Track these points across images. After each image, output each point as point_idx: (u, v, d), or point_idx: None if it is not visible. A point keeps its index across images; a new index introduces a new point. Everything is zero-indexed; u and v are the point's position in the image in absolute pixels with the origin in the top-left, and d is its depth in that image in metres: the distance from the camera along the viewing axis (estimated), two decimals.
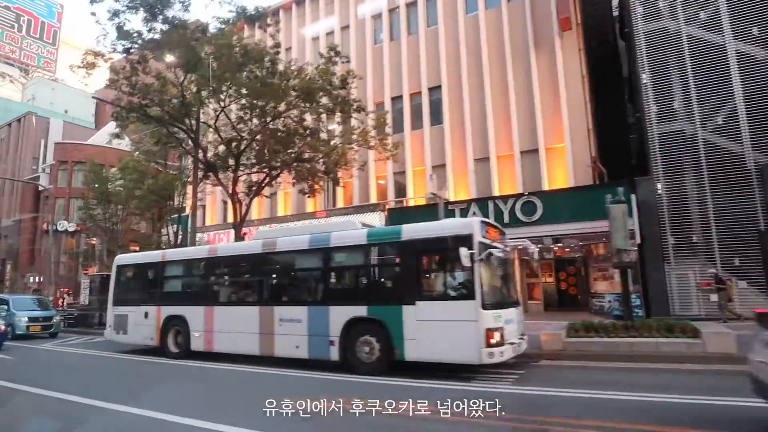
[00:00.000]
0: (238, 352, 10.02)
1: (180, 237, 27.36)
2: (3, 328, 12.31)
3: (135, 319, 11.93)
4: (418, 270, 8.22)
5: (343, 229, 9.42)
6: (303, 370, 8.79)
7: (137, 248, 33.00)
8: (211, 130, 17.14)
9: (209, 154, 17.54)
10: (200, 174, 18.43)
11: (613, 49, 21.65)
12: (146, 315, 11.72)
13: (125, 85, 15.41)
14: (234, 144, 16.25)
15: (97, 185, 23.31)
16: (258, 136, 15.95)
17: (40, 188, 39.14)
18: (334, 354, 8.71)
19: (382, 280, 8.81)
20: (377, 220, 21.22)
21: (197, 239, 28.12)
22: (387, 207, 21.42)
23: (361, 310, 8.55)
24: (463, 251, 7.49)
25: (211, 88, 14.27)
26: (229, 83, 14.73)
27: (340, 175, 17.18)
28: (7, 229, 41.17)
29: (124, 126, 16.54)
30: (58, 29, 59.99)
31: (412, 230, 8.44)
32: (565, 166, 18.64)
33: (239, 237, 16.53)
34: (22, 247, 39.27)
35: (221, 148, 17.63)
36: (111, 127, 43.20)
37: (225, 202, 26.28)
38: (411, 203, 21.64)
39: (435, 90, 22.01)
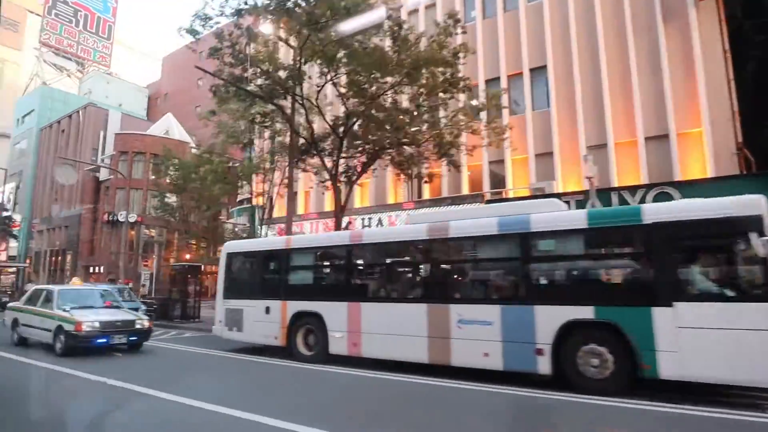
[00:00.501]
0: (394, 357, 8.31)
1: (244, 228, 26.14)
2: (147, 324, 10.72)
3: (253, 315, 10.39)
4: (674, 262, 6.29)
5: (544, 210, 7.55)
6: (496, 385, 7.01)
7: (195, 243, 32.13)
8: (309, 108, 15.52)
9: (303, 135, 15.93)
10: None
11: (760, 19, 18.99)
12: (267, 310, 10.16)
13: (228, 54, 14.00)
14: (339, 122, 14.58)
15: (172, 173, 22.14)
16: (371, 111, 14.13)
17: (100, 179, 38.94)
18: (544, 366, 6.88)
19: (615, 274, 6.90)
20: None
21: (262, 234, 26.90)
22: (485, 199, 19.46)
23: (583, 312, 6.67)
24: (756, 237, 5.53)
25: (324, 58, 12.64)
26: (345, 52, 13.02)
27: (454, 159, 15.23)
28: (67, 220, 41.22)
29: (224, 100, 15.10)
30: (112, 24, 60.61)
31: (660, 211, 6.52)
32: (704, 153, 16.27)
33: (339, 226, 14.90)
34: (82, 238, 39.15)
35: (315, 127, 16.02)
36: (168, 118, 42.91)
37: (297, 193, 24.87)
38: (510, 194, 19.62)
39: (538, 71, 19.94)
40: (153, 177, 34.07)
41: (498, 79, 20.71)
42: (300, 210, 25.74)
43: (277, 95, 14.20)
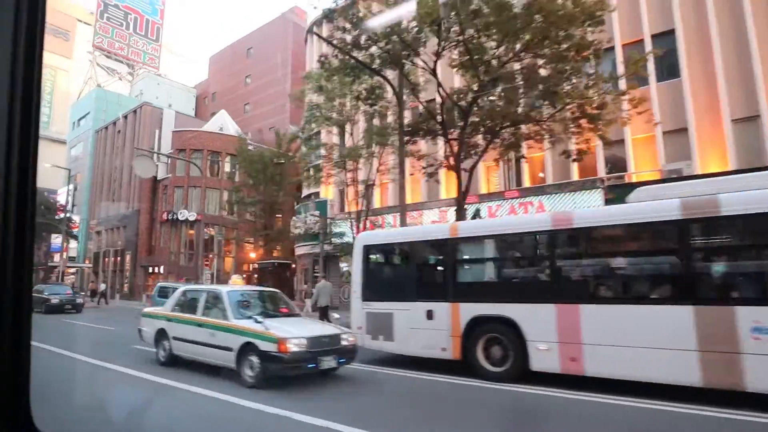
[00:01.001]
0: (641, 378, 6.22)
1: (316, 223, 24.60)
2: (352, 340, 7.71)
3: (407, 321, 8.50)
4: None
5: None
6: None
7: (255, 241, 30.85)
8: (423, 83, 13.64)
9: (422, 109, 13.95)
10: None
11: None
12: (429, 315, 8.24)
13: (342, 19, 12.26)
14: (461, 96, 12.59)
15: (249, 165, 20.74)
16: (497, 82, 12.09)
17: (158, 178, 38.34)
18: None
19: None
20: (597, 199, 17.03)
21: (336, 230, 25.27)
22: (605, 184, 17.09)
23: None
24: None
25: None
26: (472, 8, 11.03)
27: (602, 131, 12.91)
28: (125, 220, 40.96)
29: (334, 70, 13.30)
30: (160, 26, 60.85)
31: None
32: None
33: (461, 215, 12.91)
34: (141, 238, 38.72)
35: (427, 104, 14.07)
36: (222, 115, 42.15)
37: (373, 185, 23.04)
38: (633, 179, 17.16)
39: (663, 36, 17.39)
40: (220, 176, 32.95)
41: (611, 49, 18.25)
42: (376, 203, 23.95)
43: (395, 61, 12.28)
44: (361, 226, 20.91)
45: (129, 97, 54.44)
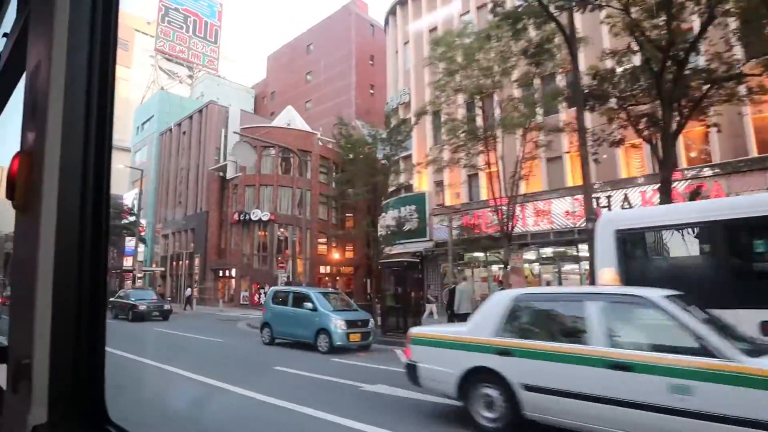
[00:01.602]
0: None
1: (414, 219, 22.08)
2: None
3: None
4: None
5: None
6: None
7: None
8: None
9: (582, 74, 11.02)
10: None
11: None
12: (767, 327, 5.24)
13: None
14: (672, 42, 9.50)
15: (352, 150, 18.35)
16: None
17: (227, 177, 36.98)
18: None
19: None
20: None
21: (431, 225, 22.57)
22: None
23: None
24: None
25: None
26: None
27: None
28: (193, 222, 39.96)
29: (506, 16, 10.52)
30: (219, 28, 60.52)
31: None
32: None
33: (667, 194, 9.77)
34: (210, 240, 37.47)
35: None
36: (290, 111, 40.51)
37: (476, 175, 20.13)
38: None
39: None
40: (291, 173, 30.95)
41: None
42: (482, 194, 21.06)
43: (581, 3, 9.45)
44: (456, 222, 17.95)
45: (191, 99, 54.19)
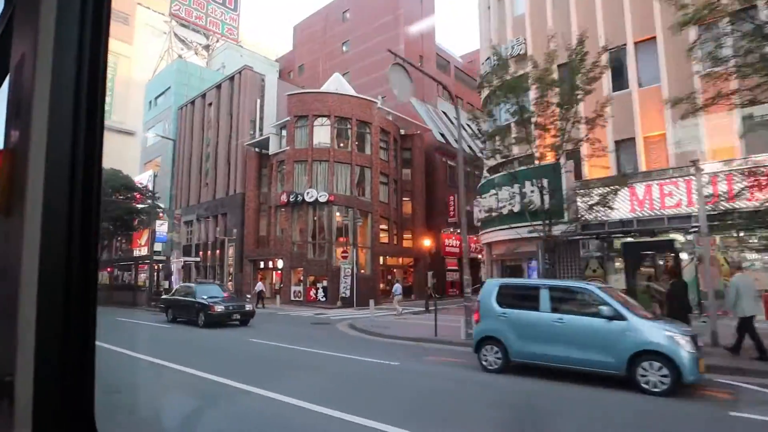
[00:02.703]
0: None
1: (544, 198, 17.32)
2: None
3: None
4: None
5: None
6: None
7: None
8: None
9: None
10: None
11: None
12: None
13: None
14: None
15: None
16: None
17: (270, 152, 31.70)
18: None
19: None
20: None
21: (573, 203, 17.97)
22: None
23: None
24: None
25: None
26: None
27: None
28: (224, 206, 34.65)
29: None
30: None
31: None
32: None
33: None
34: (248, 226, 32.27)
35: None
36: (337, 77, 35.23)
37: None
38: None
39: None
40: (350, 147, 25.73)
41: None
42: (593, 173, 16.20)
43: None
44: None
45: (211, 70, 48.64)
